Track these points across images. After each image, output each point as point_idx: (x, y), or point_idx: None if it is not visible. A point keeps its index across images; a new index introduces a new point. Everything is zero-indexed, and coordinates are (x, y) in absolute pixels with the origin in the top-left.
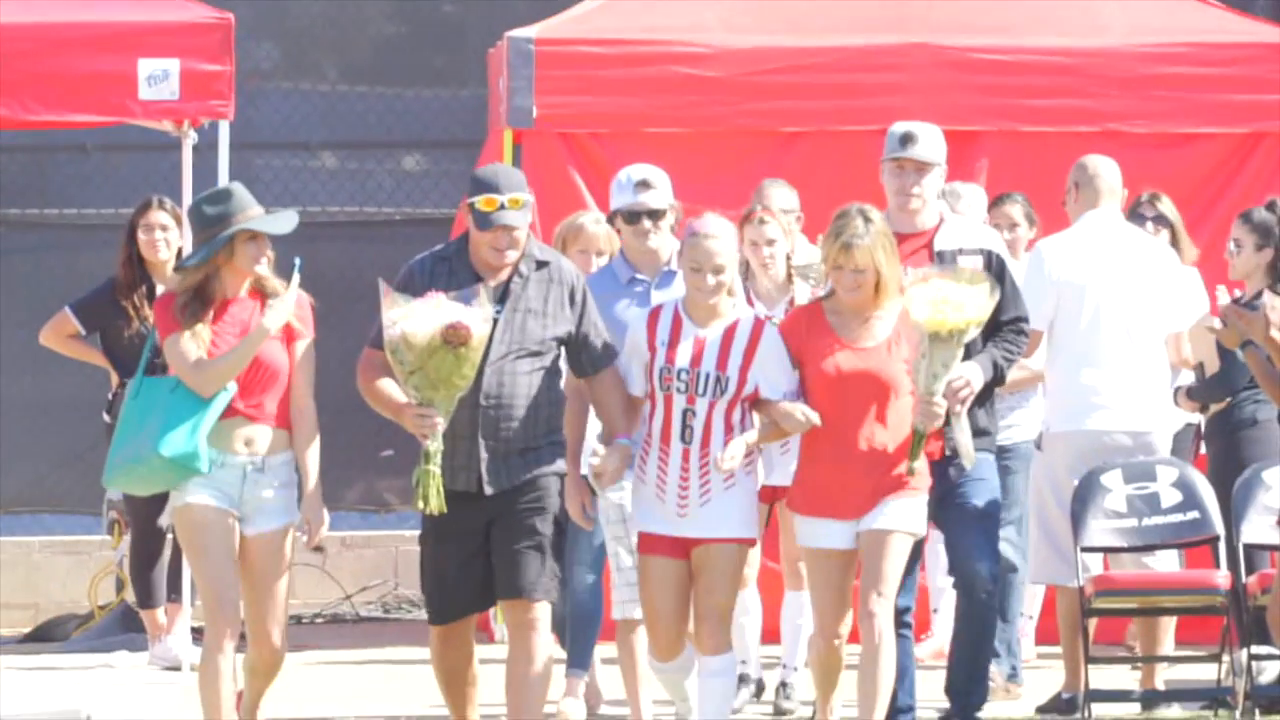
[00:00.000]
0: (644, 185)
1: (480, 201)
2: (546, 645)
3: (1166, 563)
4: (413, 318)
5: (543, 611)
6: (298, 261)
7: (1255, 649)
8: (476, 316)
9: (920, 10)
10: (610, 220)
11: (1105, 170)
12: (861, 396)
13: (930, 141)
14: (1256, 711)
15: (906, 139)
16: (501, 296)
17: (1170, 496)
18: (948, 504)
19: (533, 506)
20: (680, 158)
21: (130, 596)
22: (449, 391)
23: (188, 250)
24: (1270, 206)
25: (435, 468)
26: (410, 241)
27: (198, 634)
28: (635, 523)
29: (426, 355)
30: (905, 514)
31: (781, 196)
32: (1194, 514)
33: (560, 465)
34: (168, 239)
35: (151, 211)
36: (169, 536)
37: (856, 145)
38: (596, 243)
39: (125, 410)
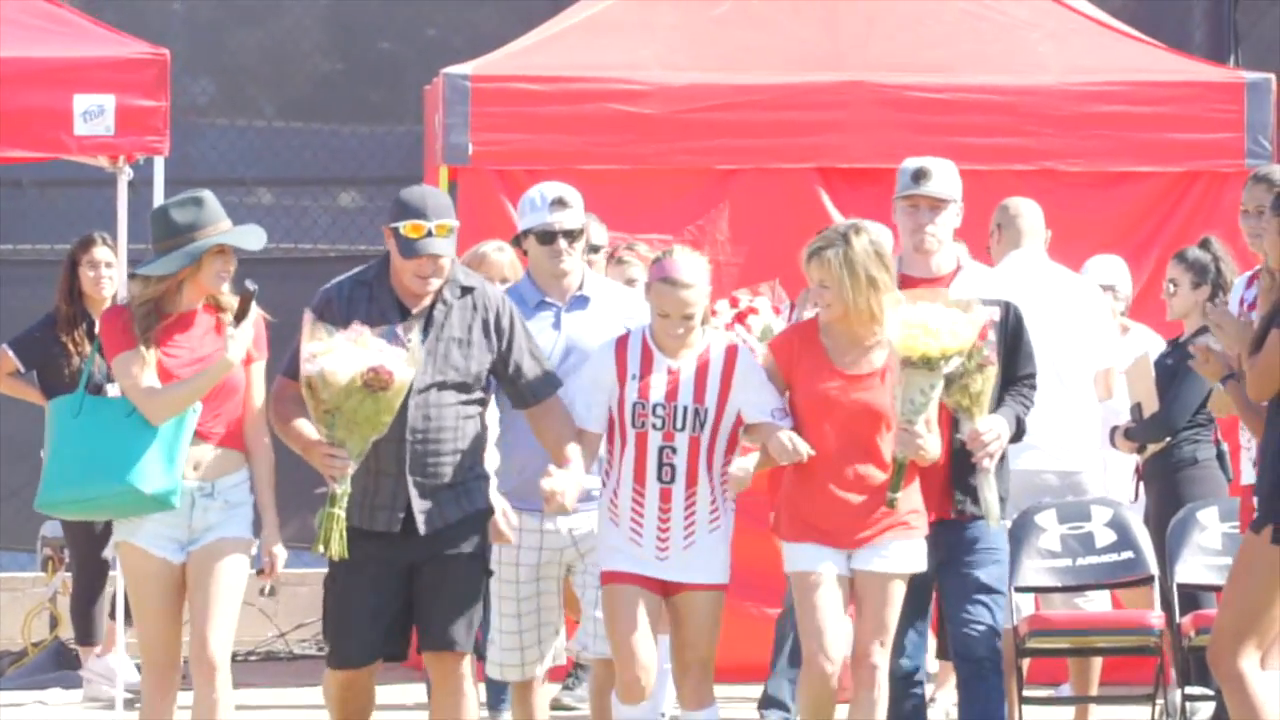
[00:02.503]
0: (560, 204)
1: (406, 227)
2: (474, 695)
3: (1097, 603)
4: (333, 355)
5: (467, 661)
6: (253, 287)
7: (1190, 689)
8: (400, 359)
9: (857, 48)
10: (517, 241)
11: (1027, 211)
12: (852, 425)
13: (944, 176)
14: None
15: (919, 175)
16: (424, 325)
17: (1104, 536)
18: (950, 571)
19: (465, 552)
20: (616, 195)
21: (65, 633)
22: (364, 435)
23: (122, 284)
24: (1204, 245)
25: (340, 510)
26: None
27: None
28: (602, 560)
29: (344, 396)
30: (905, 556)
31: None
32: (1128, 554)
33: (486, 503)
34: (111, 275)
35: (95, 248)
36: (111, 573)
37: (793, 183)
38: (501, 270)
39: (61, 430)
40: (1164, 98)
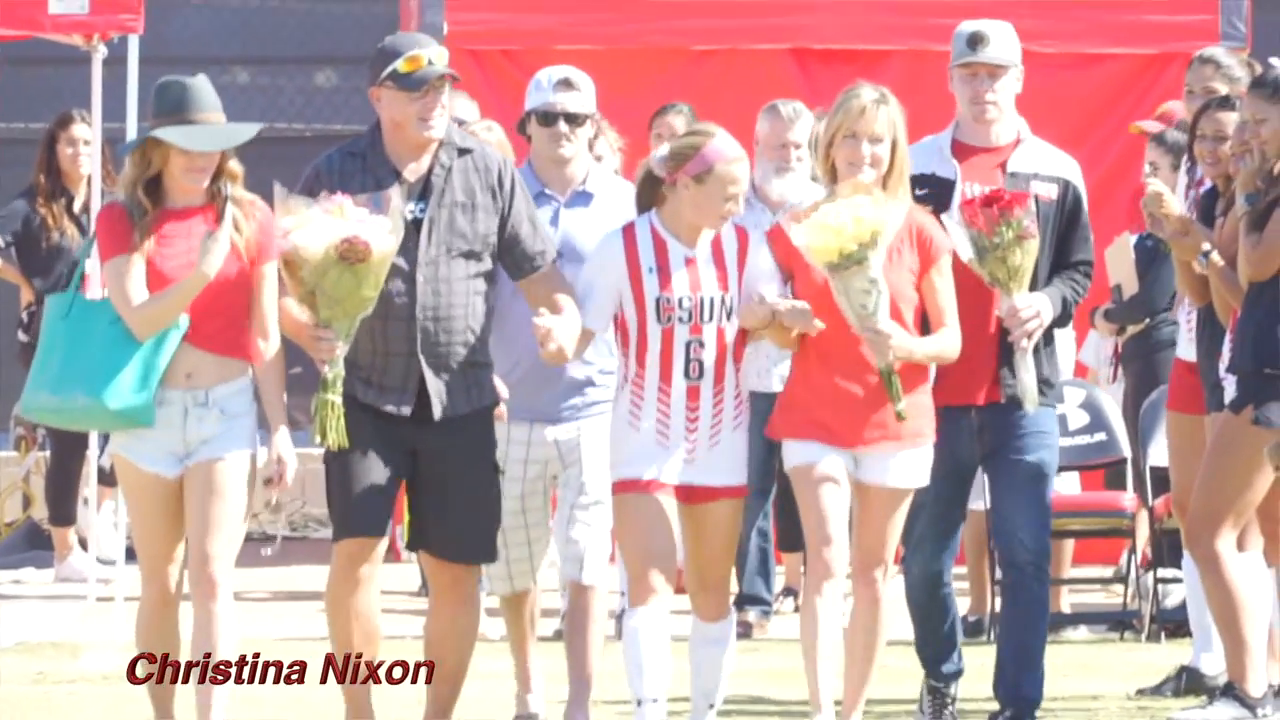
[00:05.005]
0: (565, 85)
1: (403, 64)
2: (476, 603)
3: (1067, 485)
4: (307, 228)
5: (474, 570)
6: (225, 191)
7: (1161, 572)
8: (380, 229)
9: None
10: (521, 125)
11: None
12: None
13: (1003, 41)
14: (1162, 635)
15: (975, 40)
16: (422, 193)
17: (1077, 418)
18: (998, 459)
19: (474, 452)
20: (591, 75)
21: (37, 513)
22: (349, 312)
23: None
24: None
25: (335, 396)
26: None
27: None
28: (617, 469)
29: (320, 272)
30: (909, 468)
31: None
32: (1101, 435)
33: (494, 396)
34: (89, 154)
35: (74, 125)
36: (87, 453)
37: (767, 64)
38: None
39: (50, 331)
40: None
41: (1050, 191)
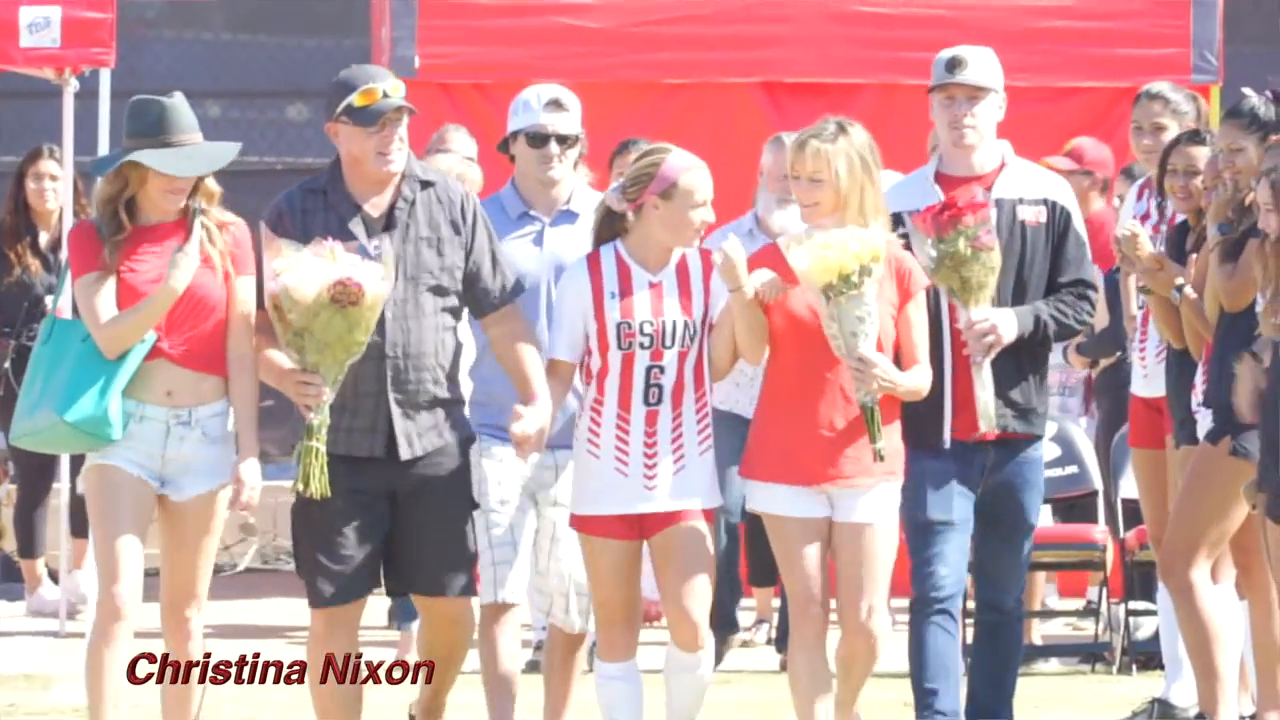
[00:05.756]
0: (556, 105)
1: (357, 98)
2: (470, 630)
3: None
4: (298, 270)
5: (463, 603)
6: (196, 207)
7: (1133, 604)
8: (372, 273)
9: None
10: (504, 146)
11: None
12: (827, 348)
13: (982, 65)
14: (1133, 667)
15: (954, 64)
16: (386, 227)
17: (1049, 451)
18: (993, 498)
19: (450, 484)
20: None
21: (9, 545)
22: (338, 358)
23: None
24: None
25: (319, 444)
26: None
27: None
28: (577, 504)
29: (311, 315)
30: (884, 503)
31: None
32: (1073, 468)
33: (467, 429)
34: (56, 189)
35: (42, 160)
36: (55, 485)
37: (738, 97)
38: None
39: (35, 357)
40: (1110, 12)
41: (1038, 215)
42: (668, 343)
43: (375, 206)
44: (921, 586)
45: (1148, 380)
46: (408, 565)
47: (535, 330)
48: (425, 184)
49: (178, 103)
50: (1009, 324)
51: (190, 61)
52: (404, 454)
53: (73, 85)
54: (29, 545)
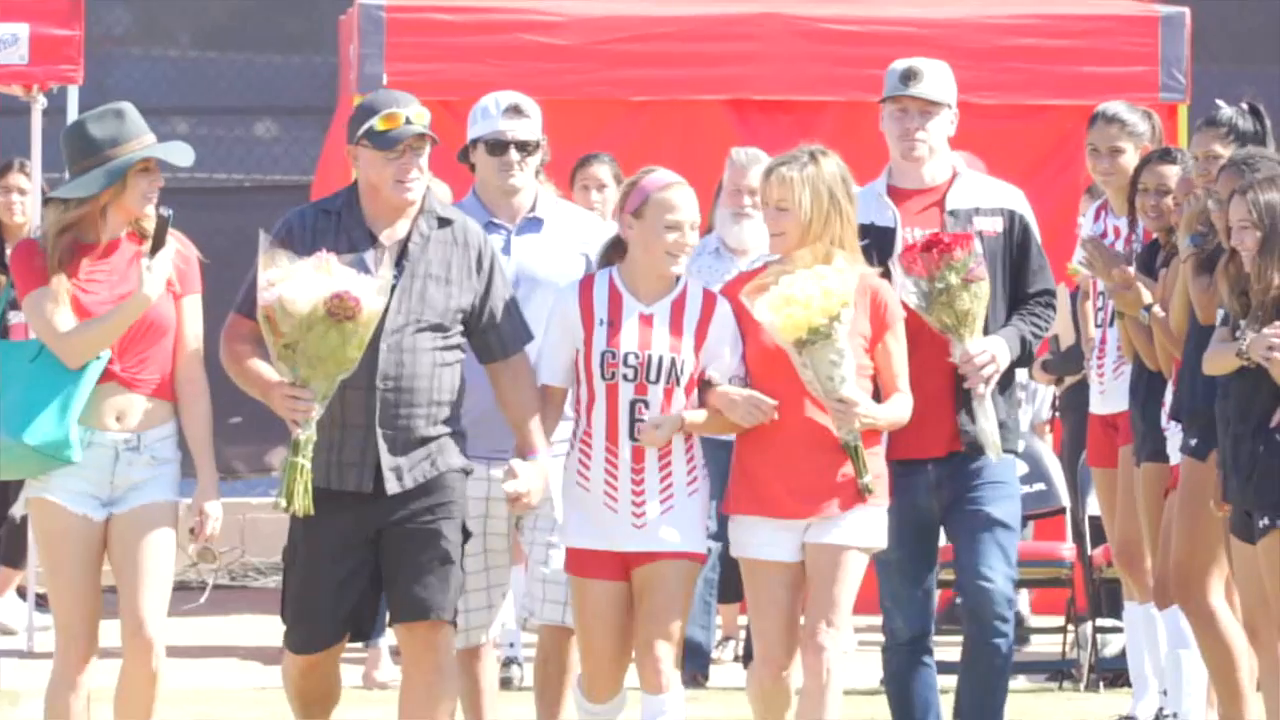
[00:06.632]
0: (515, 111)
1: (379, 121)
2: (452, 670)
3: None
4: (294, 281)
5: (447, 632)
6: (167, 213)
7: (1100, 621)
8: (369, 288)
9: None
10: (464, 154)
11: None
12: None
13: (937, 78)
14: (1101, 684)
15: (908, 76)
16: (398, 259)
17: (1017, 468)
18: (957, 510)
19: (437, 512)
20: None
21: None
22: (329, 373)
23: (36, 214)
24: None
25: (304, 460)
26: (260, 208)
27: (41, 600)
28: (567, 535)
29: (305, 328)
30: (862, 528)
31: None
32: (1040, 485)
33: (463, 461)
34: (24, 203)
35: (11, 174)
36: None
37: (705, 115)
38: None
39: None
40: (1078, 30)
41: (995, 225)
42: (652, 377)
43: (389, 237)
44: (885, 627)
45: (1104, 397)
46: (391, 592)
47: (536, 379)
48: (443, 221)
49: (130, 106)
50: (1003, 351)
51: (158, 78)
52: (390, 488)
53: (41, 102)
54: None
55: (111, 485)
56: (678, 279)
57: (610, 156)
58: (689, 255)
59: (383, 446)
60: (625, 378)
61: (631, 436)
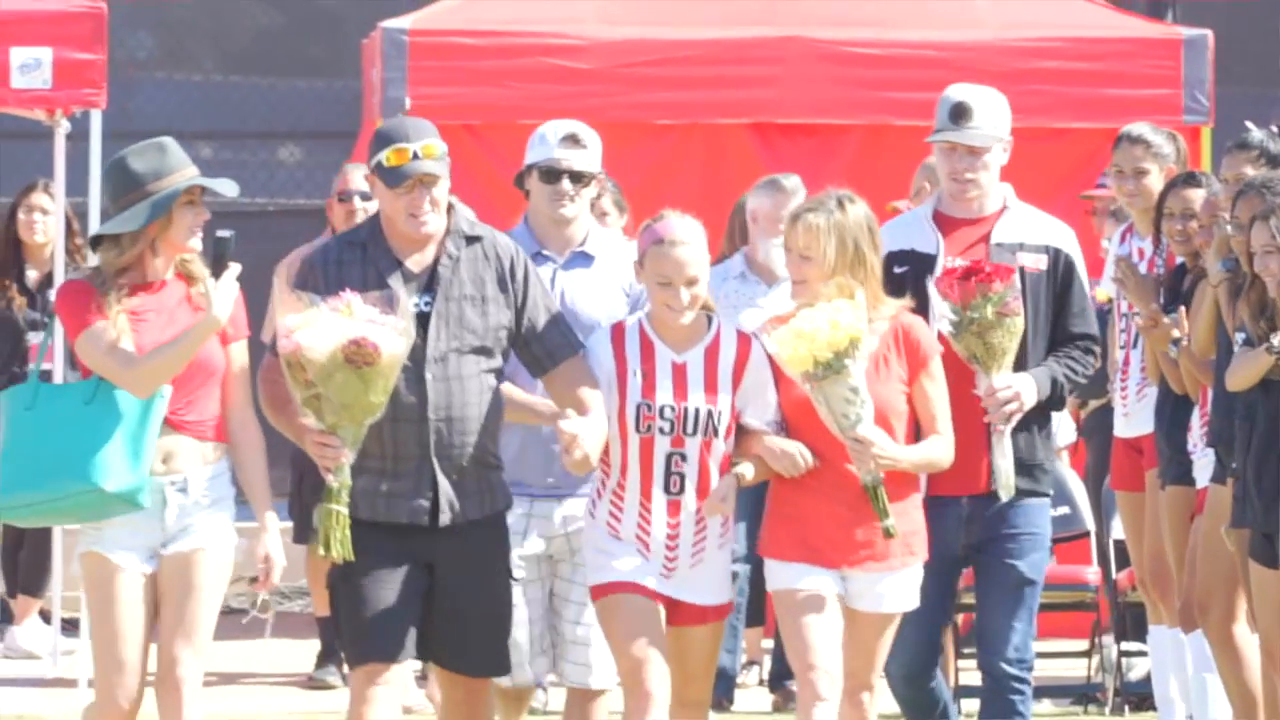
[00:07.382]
0: (572, 140)
1: (388, 156)
2: (493, 712)
3: None
4: (312, 327)
5: (489, 683)
6: (228, 234)
7: (1125, 645)
8: (388, 332)
9: (794, 3)
10: (519, 179)
11: None
12: None
13: (988, 113)
14: (1126, 708)
15: (959, 113)
16: (429, 284)
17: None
18: (988, 559)
19: (490, 557)
20: None
21: None
22: (356, 419)
23: (58, 235)
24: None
25: (340, 506)
26: (283, 233)
27: (69, 625)
28: (595, 573)
29: (326, 375)
30: (899, 593)
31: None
32: (1064, 509)
33: (507, 499)
34: (46, 222)
35: (35, 193)
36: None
37: (728, 138)
38: None
39: (14, 424)
40: (1101, 54)
41: (1039, 262)
42: (690, 430)
43: (417, 263)
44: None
45: (1128, 420)
46: (442, 633)
47: (597, 379)
48: (471, 239)
49: (172, 140)
50: (1030, 390)
51: (181, 102)
52: (444, 519)
53: (64, 126)
54: (12, 583)
55: (163, 530)
56: (710, 320)
57: (614, 183)
58: (690, 309)
59: (441, 478)
60: (661, 430)
61: (667, 490)
